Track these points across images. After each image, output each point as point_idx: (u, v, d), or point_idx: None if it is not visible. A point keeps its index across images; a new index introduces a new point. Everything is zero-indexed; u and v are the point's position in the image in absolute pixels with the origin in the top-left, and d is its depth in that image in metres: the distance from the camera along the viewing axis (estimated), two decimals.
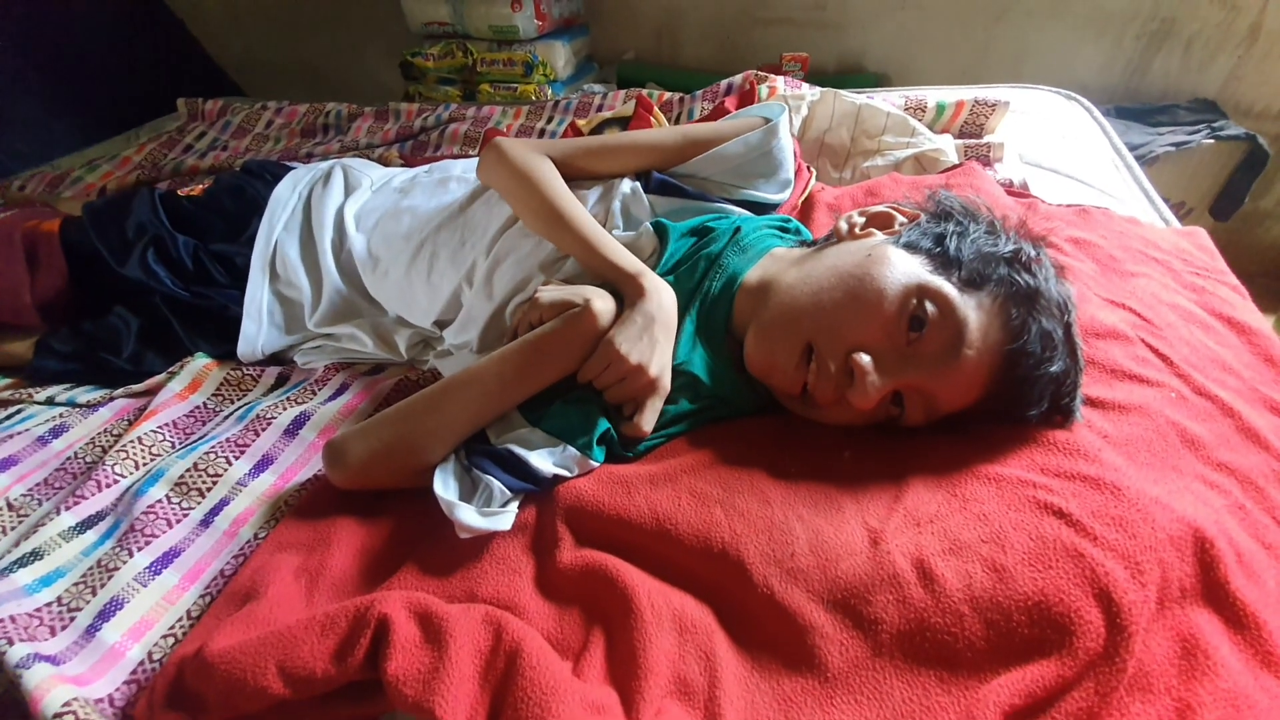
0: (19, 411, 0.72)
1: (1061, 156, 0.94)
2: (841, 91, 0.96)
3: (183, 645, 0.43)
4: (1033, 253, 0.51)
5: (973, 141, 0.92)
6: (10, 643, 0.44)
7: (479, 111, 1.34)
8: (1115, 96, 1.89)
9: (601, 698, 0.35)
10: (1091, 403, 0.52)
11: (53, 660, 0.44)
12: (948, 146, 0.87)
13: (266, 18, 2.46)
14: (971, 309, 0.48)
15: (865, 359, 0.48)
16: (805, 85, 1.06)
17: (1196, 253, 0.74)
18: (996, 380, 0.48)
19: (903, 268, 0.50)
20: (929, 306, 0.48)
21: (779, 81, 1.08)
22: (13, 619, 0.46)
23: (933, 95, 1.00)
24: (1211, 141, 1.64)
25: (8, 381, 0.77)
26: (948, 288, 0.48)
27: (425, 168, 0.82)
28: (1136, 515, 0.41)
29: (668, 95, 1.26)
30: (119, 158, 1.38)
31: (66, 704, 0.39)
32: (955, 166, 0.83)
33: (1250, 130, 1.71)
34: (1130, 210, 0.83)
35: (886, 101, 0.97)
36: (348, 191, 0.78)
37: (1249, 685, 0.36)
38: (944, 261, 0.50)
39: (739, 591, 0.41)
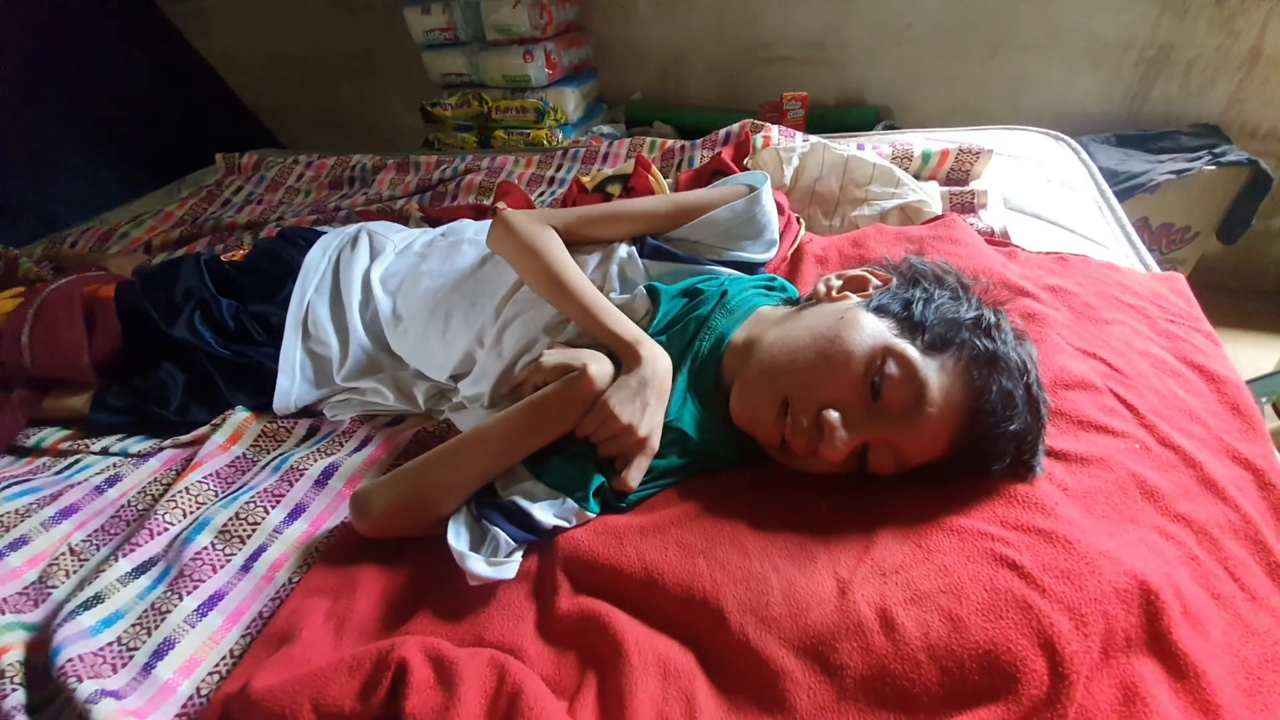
0: (77, 461, 0.80)
1: (1046, 201, 0.98)
2: (830, 143, 1.02)
3: (227, 683, 0.48)
4: (993, 318, 0.55)
5: (958, 189, 0.96)
6: (80, 680, 0.50)
7: (493, 162, 1.42)
8: (1117, 123, 1.92)
9: None
10: (1055, 455, 0.55)
11: (116, 695, 0.50)
12: (932, 196, 0.92)
13: (297, 68, 2.61)
14: (933, 370, 0.52)
15: (834, 415, 0.52)
16: (798, 135, 1.12)
17: (1173, 299, 0.77)
18: (960, 436, 0.52)
19: (871, 331, 0.54)
20: (892, 367, 0.52)
21: (774, 131, 1.14)
22: (80, 658, 0.52)
23: (919, 143, 1.05)
24: (1213, 168, 1.65)
25: (66, 433, 0.85)
26: (910, 350, 0.52)
27: (441, 230, 0.90)
28: (1085, 568, 0.44)
29: (670, 143, 1.33)
30: (162, 213, 1.49)
31: None
32: (938, 217, 0.87)
33: (1254, 153, 1.72)
34: (1111, 255, 0.86)
35: (874, 151, 1.02)
36: (373, 255, 0.85)
37: None
38: (910, 325, 0.54)
39: (718, 638, 0.45)
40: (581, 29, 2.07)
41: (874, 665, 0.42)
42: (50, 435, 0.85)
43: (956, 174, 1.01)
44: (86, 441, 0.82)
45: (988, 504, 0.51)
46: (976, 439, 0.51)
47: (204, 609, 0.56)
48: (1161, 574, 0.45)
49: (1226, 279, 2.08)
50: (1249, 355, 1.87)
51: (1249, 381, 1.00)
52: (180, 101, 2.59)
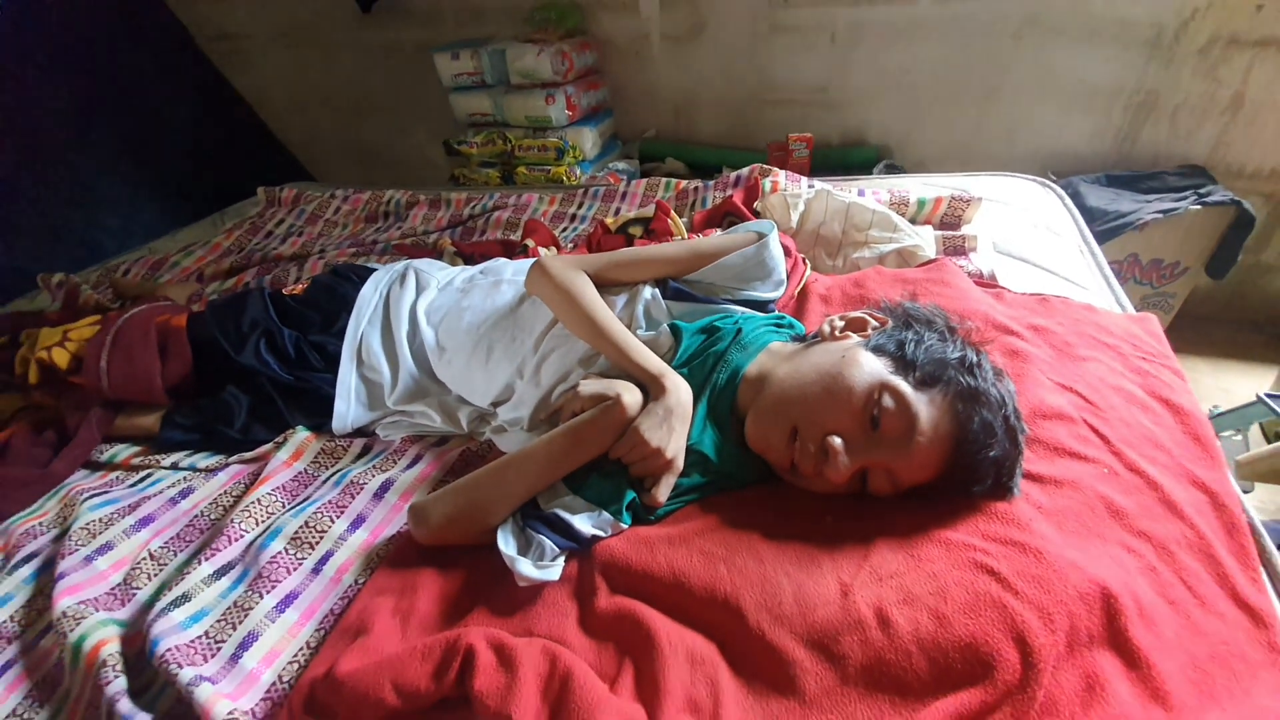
0: (149, 475, 0.88)
1: (1032, 245, 1.06)
2: (833, 190, 1.11)
3: (311, 669, 0.55)
4: (975, 358, 0.63)
5: (950, 233, 1.05)
6: (180, 667, 0.57)
7: (519, 199, 1.52)
8: (1108, 163, 2.02)
9: (632, 712, 0.46)
10: (1032, 477, 0.63)
11: (211, 681, 0.57)
12: (926, 241, 1.01)
13: (327, 104, 2.76)
14: (924, 404, 0.60)
15: (837, 442, 0.60)
16: (804, 181, 1.22)
17: (1146, 338, 0.85)
18: (947, 462, 0.59)
19: (869, 368, 0.62)
20: (888, 401, 0.60)
21: (781, 176, 1.24)
22: (176, 648, 0.60)
23: (916, 190, 1.15)
24: (1199, 207, 1.74)
25: (137, 449, 0.94)
26: (904, 386, 0.60)
27: (480, 268, 0.99)
28: (1053, 575, 0.51)
29: (684, 184, 1.43)
30: (210, 243, 1.60)
31: (230, 713, 0.52)
32: (931, 261, 0.96)
33: (1240, 192, 1.81)
34: (1090, 296, 0.94)
35: (874, 197, 1.12)
36: (419, 290, 0.94)
37: (1137, 713, 0.46)
38: (903, 364, 0.62)
39: (738, 632, 0.52)
40: (599, 73, 2.20)
41: (872, 655, 0.49)
42: (122, 451, 0.94)
43: (949, 219, 1.10)
44: (157, 457, 0.90)
45: (971, 520, 0.58)
46: (961, 464, 0.59)
47: (281, 606, 0.64)
48: (1121, 581, 0.52)
49: (1219, 311, 2.16)
50: (1240, 383, 1.93)
51: (1227, 412, 1.07)
52: (216, 134, 2.74)
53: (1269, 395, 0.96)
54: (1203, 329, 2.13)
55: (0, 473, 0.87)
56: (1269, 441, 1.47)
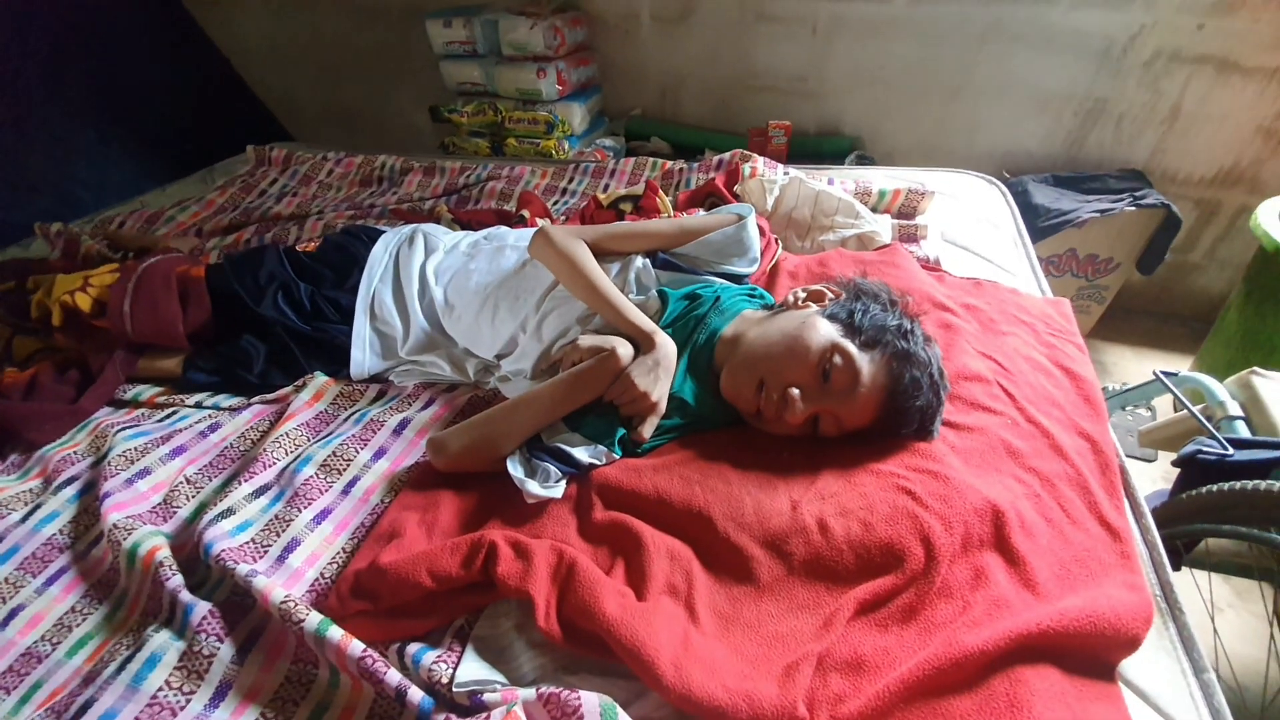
0: (174, 413, 0.96)
1: (975, 236, 1.20)
2: (806, 178, 1.23)
3: (353, 563, 0.66)
4: (909, 326, 0.76)
5: (905, 222, 1.18)
6: (235, 563, 0.67)
7: (512, 171, 1.60)
8: (1058, 164, 2.18)
9: (624, 590, 0.59)
10: (950, 424, 0.77)
11: (265, 575, 0.67)
12: (883, 228, 1.14)
13: (308, 62, 2.74)
14: (866, 362, 0.73)
15: (795, 392, 0.72)
16: (779, 168, 1.33)
17: (1057, 318, 1.00)
18: (882, 409, 0.73)
19: (824, 332, 0.75)
20: (838, 359, 0.73)
21: (759, 162, 1.35)
22: (229, 550, 0.69)
23: (878, 182, 1.28)
24: (1133, 209, 1.92)
25: (160, 390, 1.01)
26: (851, 347, 0.73)
27: (484, 234, 1.08)
28: (955, 494, 0.65)
29: (669, 165, 1.53)
30: (204, 200, 1.63)
31: (286, 597, 0.63)
32: (886, 246, 1.09)
33: (1173, 196, 2.00)
34: (1018, 282, 1.09)
35: (841, 186, 1.24)
36: (427, 252, 1.03)
37: (1011, 595, 0.60)
38: (851, 328, 0.75)
39: (708, 536, 0.65)
40: (589, 49, 2.25)
41: (812, 553, 0.62)
42: (146, 391, 1.01)
43: (906, 209, 1.23)
44: (181, 397, 0.98)
45: (898, 455, 0.72)
46: (893, 411, 0.72)
47: (318, 519, 0.74)
48: (1009, 502, 0.67)
49: (1149, 304, 2.37)
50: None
51: (1131, 389, 1.24)
52: (194, 90, 2.69)
53: (1164, 372, 1.13)
54: (1131, 320, 2.34)
55: (31, 406, 0.94)
56: None
